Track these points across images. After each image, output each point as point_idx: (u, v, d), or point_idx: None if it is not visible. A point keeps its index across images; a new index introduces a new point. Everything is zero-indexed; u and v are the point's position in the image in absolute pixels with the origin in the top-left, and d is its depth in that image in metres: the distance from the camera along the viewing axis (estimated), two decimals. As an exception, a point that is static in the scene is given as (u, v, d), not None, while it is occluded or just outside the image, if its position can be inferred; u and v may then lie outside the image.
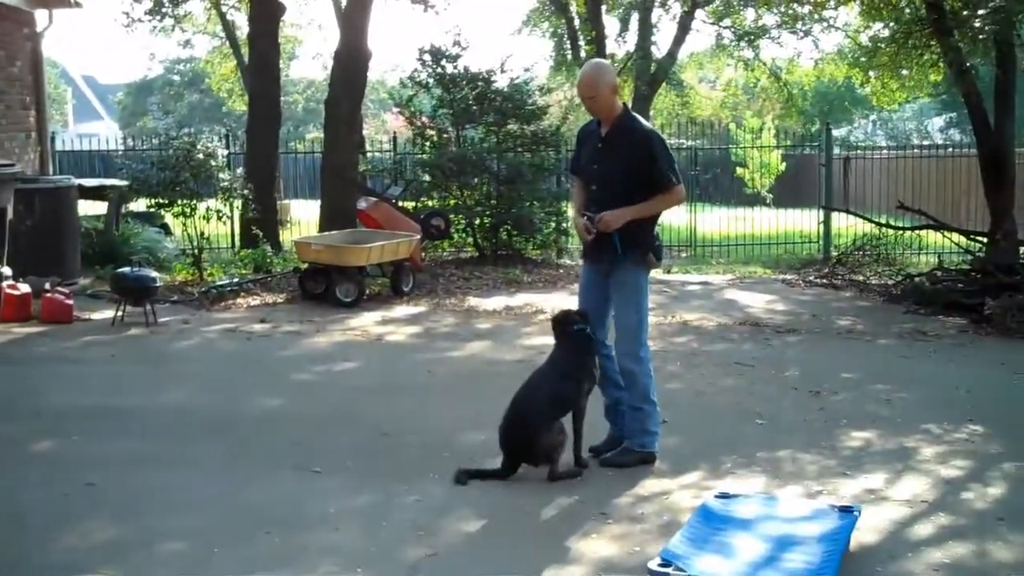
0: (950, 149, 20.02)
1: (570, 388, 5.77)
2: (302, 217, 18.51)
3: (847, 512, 4.86)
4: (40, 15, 14.89)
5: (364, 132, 18.63)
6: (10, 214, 9.87)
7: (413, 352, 9.17)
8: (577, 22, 25.67)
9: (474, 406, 7.04)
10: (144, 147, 17.75)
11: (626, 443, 6.06)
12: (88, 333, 9.71)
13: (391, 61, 60.19)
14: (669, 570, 4.26)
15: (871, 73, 18.57)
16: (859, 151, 21.30)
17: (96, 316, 10.41)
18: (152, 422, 6.77)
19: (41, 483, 5.59)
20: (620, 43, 27.20)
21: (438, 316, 10.81)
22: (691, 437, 6.51)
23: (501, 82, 15.43)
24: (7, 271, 9.99)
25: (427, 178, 15.18)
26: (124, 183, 13.49)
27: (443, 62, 15.48)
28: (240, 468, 5.84)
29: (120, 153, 18.67)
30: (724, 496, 5.11)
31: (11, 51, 13.93)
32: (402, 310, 11.10)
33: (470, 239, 15.21)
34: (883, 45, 15.85)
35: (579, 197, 6.25)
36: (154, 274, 10.42)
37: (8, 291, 9.93)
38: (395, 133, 19.39)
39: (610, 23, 26.76)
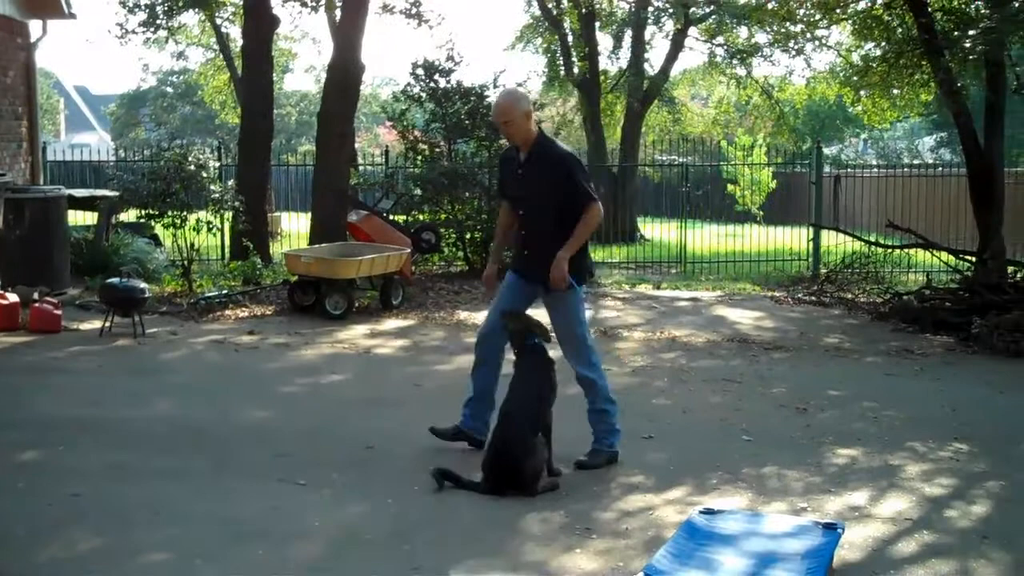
0: (940, 168, 20.09)
1: (544, 406, 5.91)
2: (293, 229, 18.54)
3: (831, 529, 4.87)
4: (34, 25, 14.92)
5: (356, 145, 18.68)
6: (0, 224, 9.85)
7: (401, 365, 9.18)
8: (571, 38, 25.77)
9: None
10: (136, 158, 17.75)
11: (595, 445, 6.28)
12: (76, 343, 9.69)
13: (384, 75, 60.34)
14: (652, 585, 4.26)
15: (862, 92, 18.65)
16: (849, 169, 21.40)
17: (84, 326, 10.39)
18: (138, 433, 6.76)
19: (26, 493, 5.57)
20: (613, 60, 27.39)
21: (427, 330, 10.81)
22: (677, 453, 6.51)
23: (494, 97, 15.47)
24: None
25: (418, 192, 15.19)
26: (115, 194, 13.49)
27: (436, 76, 15.53)
28: (225, 480, 5.83)
29: (112, 164, 18.68)
30: (709, 512, 5.11)
31: (4, 61, 13.95)
32: (391, 323, 11.11)
33: (460, 253, 15.24)
34: (874, 64, 15.94)
35: (504, 218, 6.61)
36: (143, 285, 10.42)
37: (-5, 301, 9.91)
38: (387, 147, 19.45)
39: (603, 40, 26.92)
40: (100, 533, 5.03)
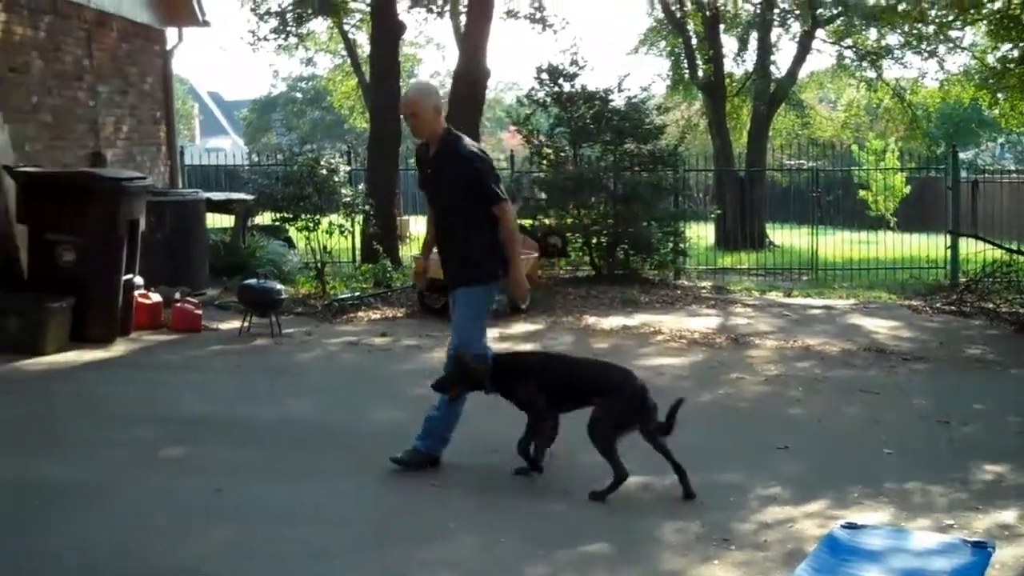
0: (1084, 173, 19.30)
1: None
2: (420, 233, 18.74)
3: (980, 548, 4.69)
4: (170, 33, 15.38)
5: (481, 150, 18.78)
6: (142, 226, 10.18)
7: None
8: (695, 41, 25.52)
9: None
10: (268, 163, 18.17)
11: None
12: (215, 342, 9.97)
13: (508, 79, 60.81)
14: (795, 600, 4.17)
15: (999, 95, 18.07)
16: (988, 174, 20.68)
17: (223, 326, 10.67)
18: (276, 432, 6.89)
19: (170, 488, 5.74)
20: (739, 62, 26.99)
21: (555, 334, 10.80)
22: (815, 464, 6.37)
23: (618, 101, 15.40)
24: (139, 280, 10.31)
25: (544, 196, 15.21)
26: (250, 197, 13.83)
27: (560, 80, 15.52)
28: (360, 481, 5.91)
29: (246, 168, 19.16)
30: (851, 526, 4.97)
31: (143, 68, 14.41)
32: (519, 327, 11.13)
33: (587, 258, 15.18)
34: (1012, 66, 15.42)
35: (431, 225, 6.56)
36: (279, 286, 10.65)
37: (140, 300, 10.25)
38: (512, 151, 19.52)
39: (728, 42, 26.58)
40: (240, 529, 5.15)
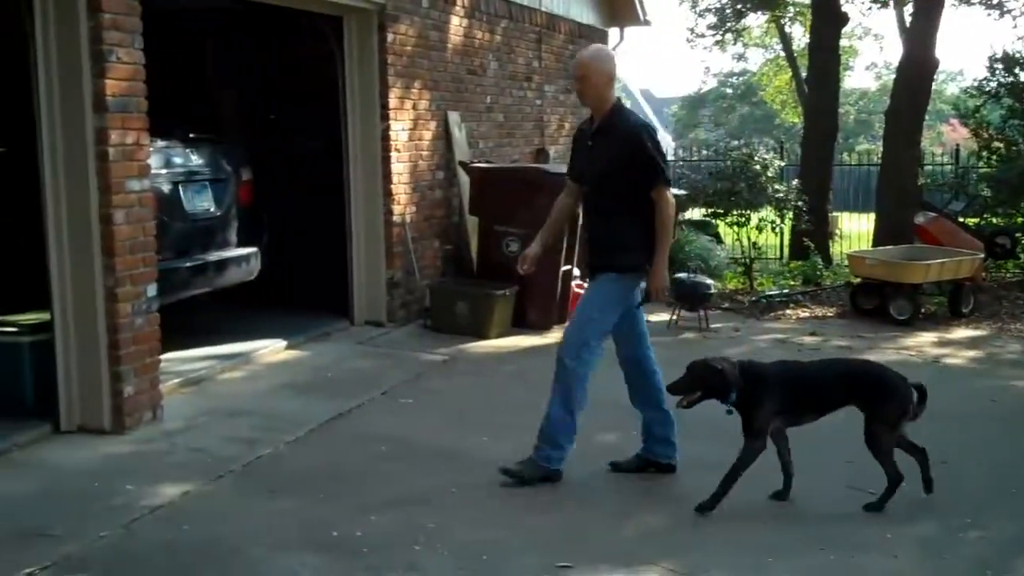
0: None
1: None
2: (851, 230, 18.20)
3: None
4: (613, 33, 15.90)
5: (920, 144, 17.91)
6: (580, 219, 10.62)
7: (973, 378, 8.62)
8: None
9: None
10: (695, 158, 18.35)
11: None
12: (645, 334, 10.19)
13: (950, 68, 57.11)
14: None
15: None
16: None
17: (653, 318, 10.79)
18: (704, 426, 6.89)
19: (607, 473, 5.98)
20: None
21: (1002, 341, 10.06)
22: None
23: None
24: (575, 271, 10.77)
25: (989, 193, 14.21)
26: (682, 192, 14.00)
27: (1016, 69, 14.42)
28: (798, 481, 5.83)
29: (679, 164, 19.49)
30: None
31: (587, 68, 15.02)
32: (961, 332, 10.47)
33: (1039, 261, 14.02)
34: None
35: (561, 201, 6.10)
36: (709, 281, 10.74)
37: (576, 290, 10.70)
38: (957, 145, 18.44)
39: None
40: (671, 517, 5.33)
